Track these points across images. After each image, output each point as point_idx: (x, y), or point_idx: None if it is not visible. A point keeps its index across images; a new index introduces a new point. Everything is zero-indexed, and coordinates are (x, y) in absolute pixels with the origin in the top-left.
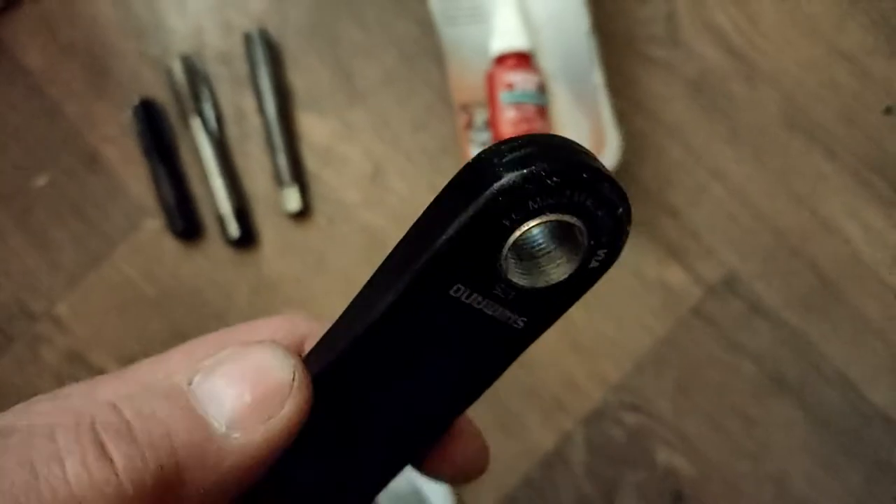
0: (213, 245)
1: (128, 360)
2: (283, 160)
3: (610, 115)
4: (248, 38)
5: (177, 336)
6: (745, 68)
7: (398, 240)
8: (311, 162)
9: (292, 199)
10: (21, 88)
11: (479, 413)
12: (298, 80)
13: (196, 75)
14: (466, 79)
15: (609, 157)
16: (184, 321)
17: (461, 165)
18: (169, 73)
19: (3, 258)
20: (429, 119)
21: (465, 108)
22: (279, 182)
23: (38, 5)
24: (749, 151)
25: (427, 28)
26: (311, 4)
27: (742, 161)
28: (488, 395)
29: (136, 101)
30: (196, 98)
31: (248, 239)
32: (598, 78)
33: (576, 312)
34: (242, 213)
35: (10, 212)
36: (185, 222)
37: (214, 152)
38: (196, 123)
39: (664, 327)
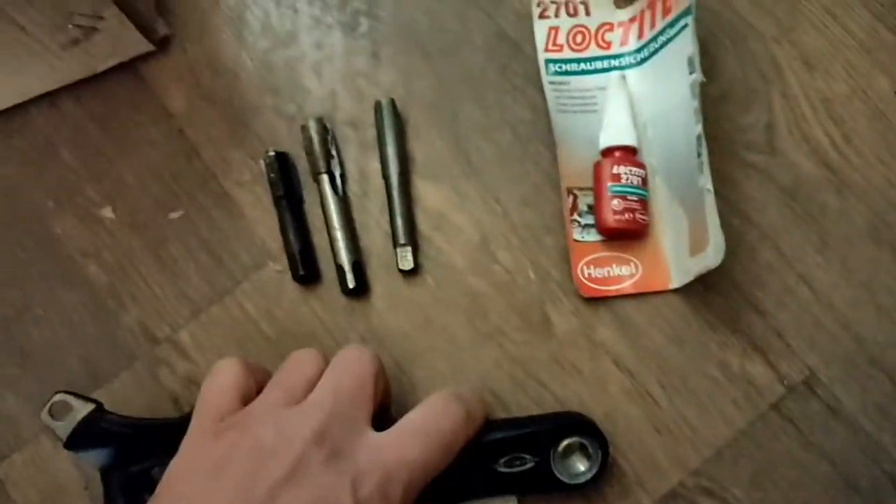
0: (330, 293)
1: None
2: (400, 222)
3: (716, 219)
4: (377, 106)
5: None
6: (837, 181)
7: (500, 306)
8: (424, 225)
9: (407, 259)
10: (164, 129)
11: None
12: (418, 149)
13: (328, 135)
14: (574, 164)
15: (712, 258)
16: None
17: (564, 244)
18: (304, 130)
19: (134, 282)
20: (536, 198)
21: (571, 191)
22: (395, 241)
23: (186, 55)
24: (837, 260)
25: (540, 114)
26: (436, 82)
27: (830, 269)
28: None
29: (269, 151)
30: (326, 156)
31: (361, 290)
32: (706, 183)
33: (662, 396)
34: (359, 265)
35: (144, 241)
36: (306, 269)
37: (338, 207)
38: (324, 179)
39: (744, 419)
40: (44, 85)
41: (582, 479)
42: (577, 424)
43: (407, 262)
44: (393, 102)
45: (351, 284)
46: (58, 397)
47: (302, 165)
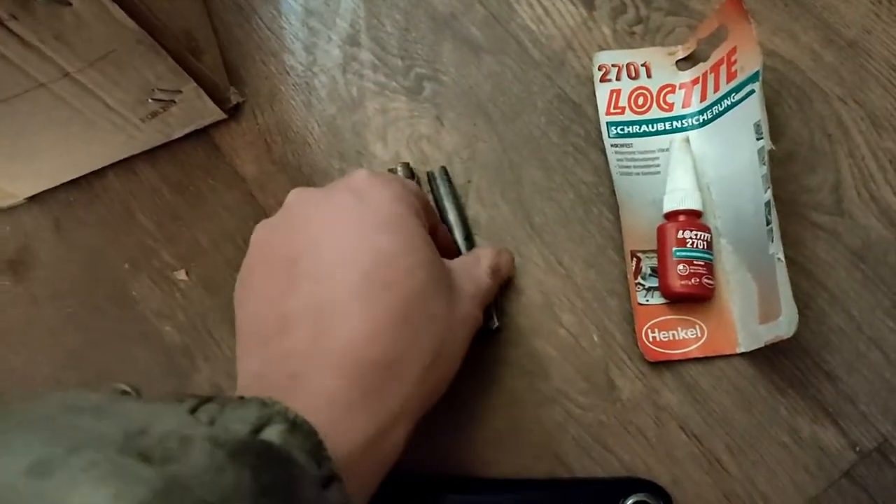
0: None
1: None
2: None
3: (788, 290)
4: (430, 176)
5: None
6: None
7: (564, 369)
8: None
9: (491, 319)
10: (236, 193)
11: None
12: (481, 211)
13: (414, 180)
14: (637, 226)
15: (784, 328)
16: None
17: (628, 307)
18: (392, 173)
19: (206, 343)
20: (599, 260)
21: (635, 254)
22: None
23: (256, 122)
24: None
25: (602, 176)
26: (498, 145)
27: None
28: None
29: None
30: None
31: None
32: (777, 251)
33: (730, 462)
34: None
35: (217, 302)
36: None
37: None
38: None
39: (816, 487)
40: (123, 152)
41: None
42: (643, 483)
43: (492, 322)
44: (445, 170)
45: None
46: None
47: None
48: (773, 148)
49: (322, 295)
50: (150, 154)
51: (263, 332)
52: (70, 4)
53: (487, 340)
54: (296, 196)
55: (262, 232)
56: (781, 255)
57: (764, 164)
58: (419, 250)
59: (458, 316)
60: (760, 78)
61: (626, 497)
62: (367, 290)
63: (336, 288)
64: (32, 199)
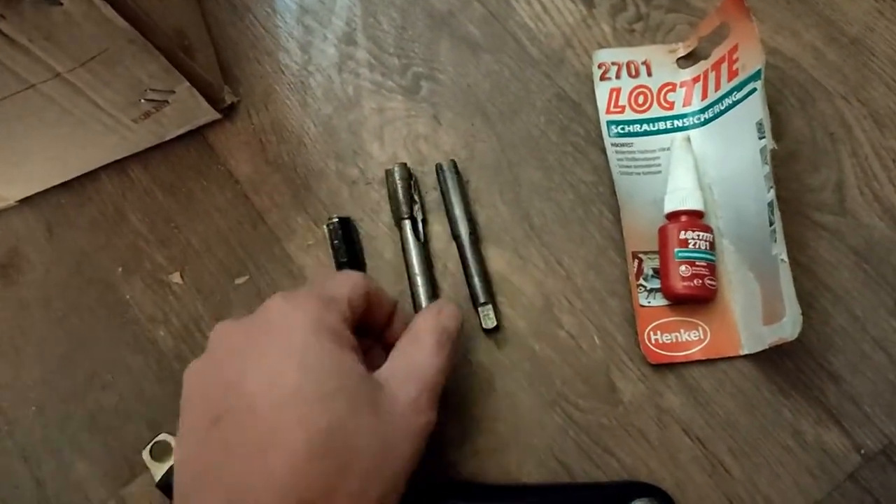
0: None
1: None
2: (477, 281)
3: (792, 291)
4: (439, 168)
5: None
6: None
7: (564, 372)
8: None
9: (489, 318)
10: (230, 195)
11: None
12: (480, 211)
13: (411, 181)
14: (638, 227)
15: (789, 330)
16: None
17: (629, 309)
18: (388, 175)
19: (200, 347)
20: (599, 261)
21: (636, 255)
22: (474, 301)
23: (251, 122)
24: None
25: (603, 175)
26: (497, 145)
27: None
28: None
29: (333, 218)
30: (410, 202)
31: None
32: (780, 252)
33: (733, 465)
34: None
35: (211, 306)
36: None
37: (419, 253)
38: (406, 225)
39: (820, 490)
40: (115, 154)
41: None
42: (645, 487)
43: (490, 321)
44: (454, 164)
45: None
46: (160, 437)
47: (364, 229)
48: (776, 147)
49: (238, 451)
50: (143, 155)
51: (189, 484)
52: (60, 4)
53: (487, 344)
54: (217, 338)
55: (190, 378)
56: (785, 256)
57: (766, 163)
58: (334, 381)
59: (396, 432)
60: (762, 76)
61: (628, 501)
62: (284, 434)
63: (255, 442)
64: (24, 201)
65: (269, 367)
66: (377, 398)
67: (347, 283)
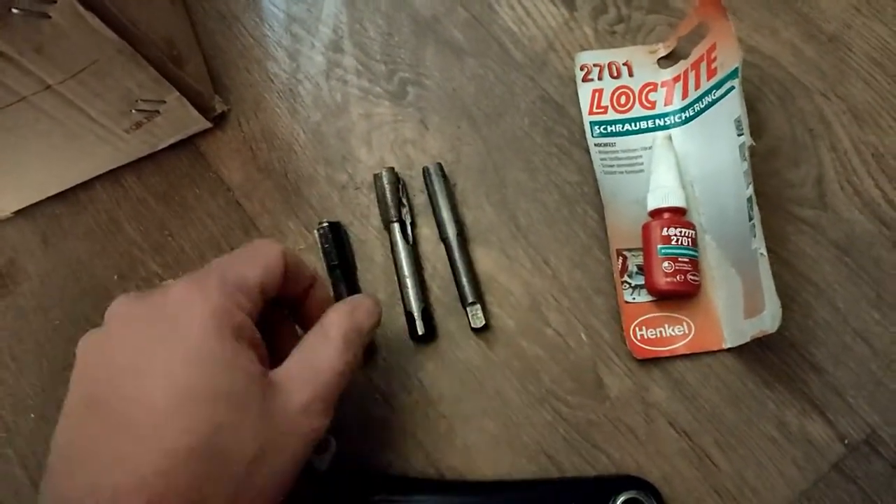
0: (398, 342)
1: None
2: (465, 281)
3: (771, 284)
4: (426, 172)
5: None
6: (892, 235)
7: (552, 369)
8: None
9: (478, 317)
10: (221, 201)
11: None
12: (467, 213)
13: (399, 184)
14: (622, 225)
15: (768, 323)
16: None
17: (614, 306)
18: (377, 179)
19: None
20: (585, 259)
21: (620, 253)
22: (463, 301)
23: (241, 129)
24: (895, 316)
25: (587, 175)
26: (483, 148)
27: (888, 325)
28: None
29: (323, 223)
30: (398, 205)
31: (430, 337)
32: (759, 246)
33: (720, 457)
34: (427, 312)
35: None
36: None
37: (408, 255)
38: (395, 228)
39: (806, 480)
40: (108, 164)
41: None
42: (633, 481)
43: (478, 320)
44: (441, 166)
45: (420, 331)
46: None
47: (354, 232)
48: (754, 143)
49: (112, 441)
50: (136, 165)
51: (58, 465)
52: (49, 17)
53: (476, 343)
54: (115, 316)
55: (83, 353)
56: (764, 250)
57: (745, 159)
58: (226, 383)
59: (280, 437)
60: (740, 74)
61: (617, 495)
62: (163, 434)
63: (132, 437)
64: (19, 213)
65: (161, 360)
66: (268, 401)
67: (261, 262)
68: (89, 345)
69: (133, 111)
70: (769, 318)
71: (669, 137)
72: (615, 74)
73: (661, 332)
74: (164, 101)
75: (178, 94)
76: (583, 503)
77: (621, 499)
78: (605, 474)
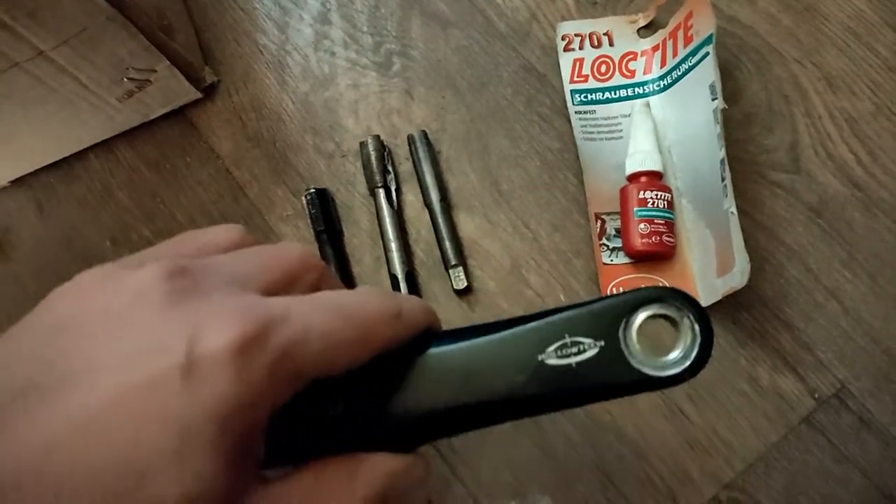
0: None
1: None
2: (448, 244)
3: (741, 241)
4: (411, 139)
5: None
6: (864, 198)
7: None
8: None
9: (460, 279)
10: (211, 170)
11: (597, 498)
12: (451, 180)
13: (384, 151)
14: (601, 189)
15: (738, 279)
16: None
17: (593, 267)
18: (363, 146)
19: None
20: (565, 223)
21: (599, 216)
22: (445, 264)
23: (231, 100)
24: (865, 275)
25: (568, 142)
26: (467, 116)
27: (858, 283)
28: (605, 481)
29: (310, 189)
30: (383, 171)
31: None
32: (730, 206)
33: (692, 411)
34: (412, 276)
35: None
36: None
37: (392, 220)
38: (380, 193)
39: (776, 433)
40: (102, 133)
41: (672, 371)
42: (659, 293)
43: (461, 282)
44: (425, 134)
45: (405, 293)
46: None
47: (341, 199)
48: (726, 107)
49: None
50: (129, 134)
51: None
52: None
53: (459, 304)
54: (82, 285)
55: (52, 298)
56: (734, 210)
57: (718, 123)
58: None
59: None
60: (714, 40)
61: (632, 313)
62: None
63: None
64: (14, 182)
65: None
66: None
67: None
68: (58, 296)
69: (125, 79)
70: (738, 274)
71: (647, 104)
72: (596, 44)
73: None
74: (155, 71)
75: (168, 63)
76: (590, 319)
77: (641, 316)
78: (617, 294)
